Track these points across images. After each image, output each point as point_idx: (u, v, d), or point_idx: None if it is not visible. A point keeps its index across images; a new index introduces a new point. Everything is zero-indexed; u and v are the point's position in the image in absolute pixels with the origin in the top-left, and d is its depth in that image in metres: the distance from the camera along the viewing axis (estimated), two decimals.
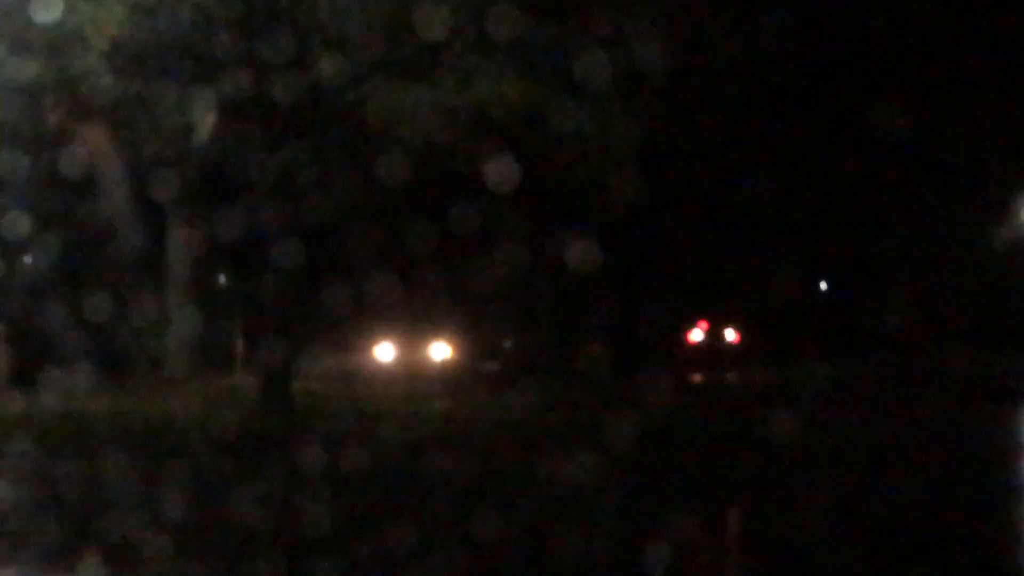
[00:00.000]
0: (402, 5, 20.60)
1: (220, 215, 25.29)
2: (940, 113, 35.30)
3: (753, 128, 32.25)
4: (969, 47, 34.42)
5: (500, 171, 22.25)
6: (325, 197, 22.70)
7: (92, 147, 26.92)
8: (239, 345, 31.88)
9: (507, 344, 38.20)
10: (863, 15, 33.12)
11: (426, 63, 21.03)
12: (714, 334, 39.18)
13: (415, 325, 35.22)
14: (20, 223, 26.23)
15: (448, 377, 32.80)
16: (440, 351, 35.72)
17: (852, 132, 35.61)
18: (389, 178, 21.71)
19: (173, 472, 14.82)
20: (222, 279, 33.58)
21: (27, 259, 30.43)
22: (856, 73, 34.54)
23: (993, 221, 40.59)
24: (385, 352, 35.82)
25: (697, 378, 34.64)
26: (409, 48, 20.83)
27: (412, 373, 33.47)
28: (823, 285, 43.34)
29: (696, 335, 39.23)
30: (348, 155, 22.08)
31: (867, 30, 33.54)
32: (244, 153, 22.27)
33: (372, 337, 35.83)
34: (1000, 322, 37.73)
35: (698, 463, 16.85)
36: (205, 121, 22.79)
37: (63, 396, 22.78)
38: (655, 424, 20.29)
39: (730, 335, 39.28)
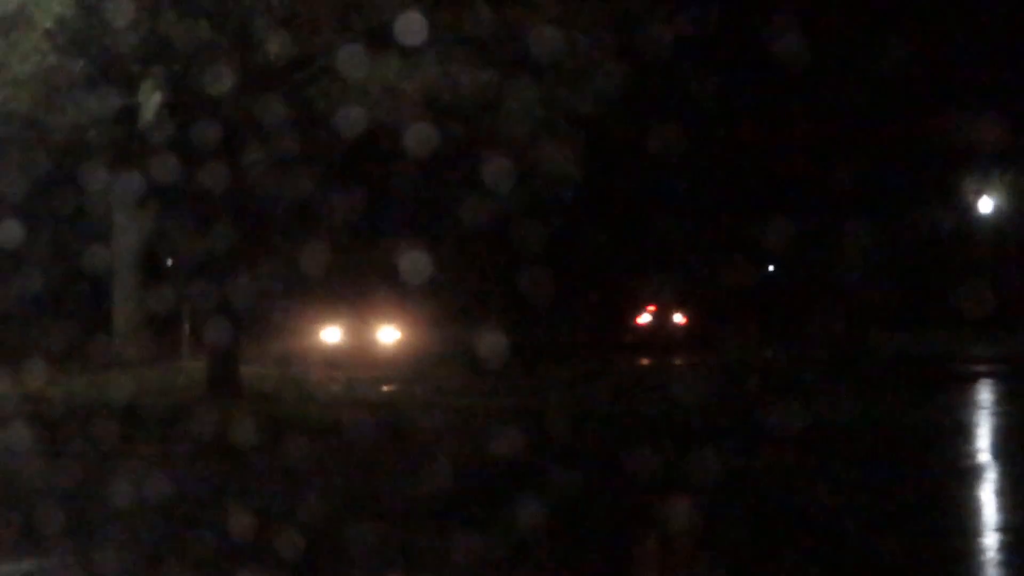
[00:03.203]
0: None
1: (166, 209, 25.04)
2: (887, 95, 35.62)
3: (703, 111, 32.37)
4: None
5: (448, 153, 22.24)
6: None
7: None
8: (186, 330, 31.69)
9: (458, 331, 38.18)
10: None
11: (375, 44, 20.93)
12: (662, 317, 39.34)
13: (364, 308, 35.11)
14: None
15: (398, 361, 32.75)
16: (389, 334, 35.62)
17: (802, 117, 35.88)
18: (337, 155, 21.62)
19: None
20: (169, 263, 33.35)
21: None
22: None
23: (935, 207, 41.05)
24: (332, 335, 35.68)
25: (645, 361, 34.79)
26: (359, 28, 20.76)
27: (361, 356, 33.39)
28: (771, 268, 43.65)
29: (644, 318, 39.38)
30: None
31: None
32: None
33: (319, 320, 35.68)
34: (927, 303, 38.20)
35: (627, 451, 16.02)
36: (150, 103, 22.57)
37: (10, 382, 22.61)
38: (584, 409, 20.42)
39: (678, 318, 39.46)
